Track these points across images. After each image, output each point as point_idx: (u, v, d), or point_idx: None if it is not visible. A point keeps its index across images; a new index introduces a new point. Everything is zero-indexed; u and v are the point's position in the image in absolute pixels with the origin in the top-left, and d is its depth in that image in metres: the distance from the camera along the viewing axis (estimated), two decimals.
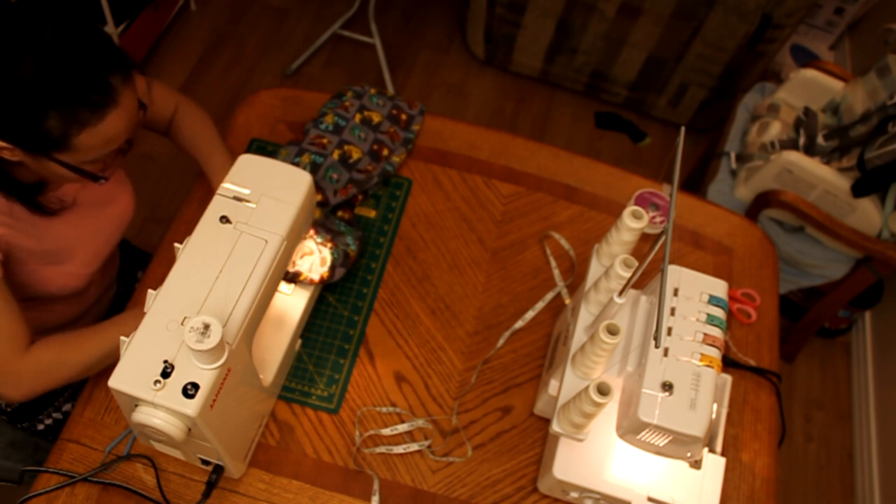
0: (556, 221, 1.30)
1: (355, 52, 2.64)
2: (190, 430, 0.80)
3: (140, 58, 2.45)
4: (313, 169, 1.20)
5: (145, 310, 0.82)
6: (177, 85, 2.49)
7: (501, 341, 1.16)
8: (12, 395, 0.94)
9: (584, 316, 0.98)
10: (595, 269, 1.03)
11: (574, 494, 0.98)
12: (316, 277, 1.10)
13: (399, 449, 1.05)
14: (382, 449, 1.05)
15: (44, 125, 0.81)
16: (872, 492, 1.91)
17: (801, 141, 1.80)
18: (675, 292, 0.90)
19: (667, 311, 0.89)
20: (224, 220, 0.88)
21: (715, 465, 0.98)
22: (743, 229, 1.33)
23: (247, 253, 0.86)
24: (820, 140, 1.77)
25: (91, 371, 0.98)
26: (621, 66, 2.43)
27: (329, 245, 1.12)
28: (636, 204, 1.23)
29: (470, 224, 1.28)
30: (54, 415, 1.23)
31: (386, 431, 1.06)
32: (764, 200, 1.78)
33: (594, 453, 0.95)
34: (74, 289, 1.05)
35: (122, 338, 0.80)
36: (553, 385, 1.00)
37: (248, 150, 1.31)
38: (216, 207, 0.89)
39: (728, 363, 1.17)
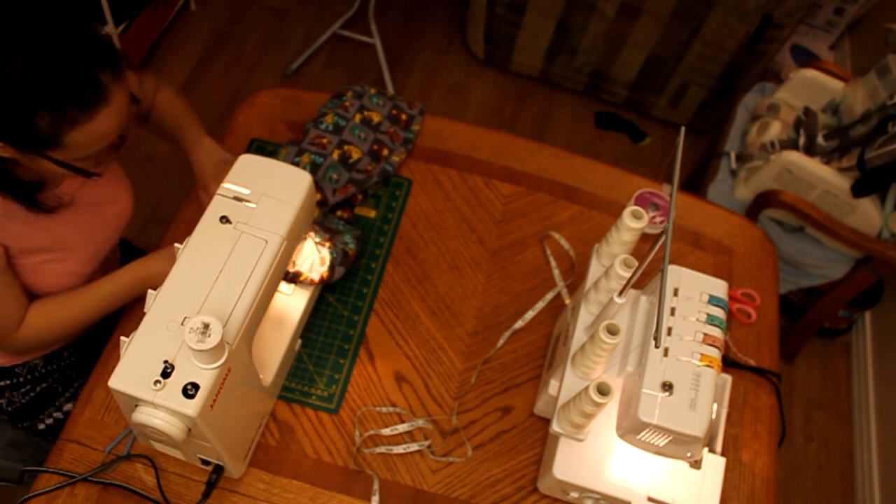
0: (556, 221, 1.30)
1: (355, 52, 2.64)
2: (190, 430, 0.80)
3: (140, 58, 2.45)
4: (313, 169, 1.20)
5: (145, 310, 0.82)
6: (177, 85, 2.49)
7: (501, 341, 1.16)
8: (8, 355, 1.05)
9: (584, 316, 0.98)
10: (595, 269, 1.03)
11: (574, 494, 0.98)
12: (316, 277, 1.10)
13: (399, 449, 1.05)
14: (382, 449, 1.05)
15: (34, 124, 0.80)
16: (872, 492, 1.91)
17: (801, 141, 1.80)
18: (675, 292, 0.90)
19: (667, 311, 0.89)
20: (224, 220, 0.88)
21: (715, 465, 0.98)
22: (743, 229, 1.33)
23: (247, 253, 0.86)
24: (820, 140, 1.77)
25: (87, 323, 1.06)
26: (621, 66, 2.43)
27: (328, 244, 1.12)
28: (636, 204, 1.23)
29: (470, 224, 1.28)
30: (55, 415, 1.23)
31: (386, 431, 1.06)
32: (764, 200, 1.78)
33: (594, 453, 0.95)
34: (73, 288, 1.06)
35: (123, 338, 0.80)
36: (553, 385, 1.00)
37: (248, 150, 1.31)
38: (216, 207, 0.89)
39: (728, 363, 1.17)
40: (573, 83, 2.58)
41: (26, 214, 0.95)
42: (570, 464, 0.94)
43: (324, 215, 1.18)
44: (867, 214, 1.72)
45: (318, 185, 1.19)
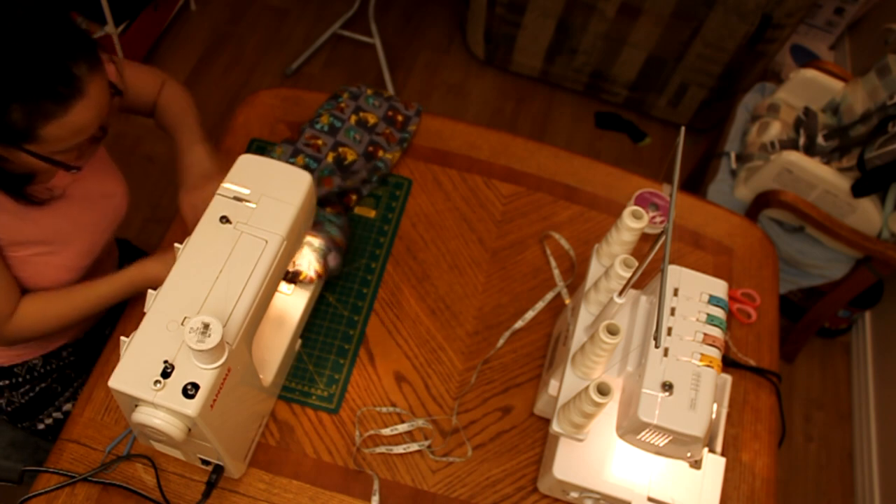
0: (556, 221, 1.30)
1: (355, 52, 2.64)
2: (190, 430, 0.80)
3: (140, 58, 2.45)
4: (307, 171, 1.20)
5: (145, 310, 0.82)
6: None
7: (501, 341, 1.16)
8: None
9: (584, 316, 0.98)
10: (595, 269, 1.03)
11: (574, 494, 0.98)
12: (313, 274, 1.10)
13: (399, 449, 1.05)
14: (382, 449, 1.05)
15: (7, 118, 0.79)
16: (872, 492, 1.91)
17: (801, 141, 1.80)
18: (675, 292, 0.90)
19: (667, 311, 0.89)
20: (224, 220, 0.88)
21: (715, 465, 0.98)
22: (743, 229, 1.33)
23: (247, 253, 0.86)
24: (820, 140, 1.77)
25: (78, 321, 1.06)
26: (621, 66, 2.43)
27: (316, 238, 1.11)
28: (636, 204, 1.23)
29: (470, 224, 1.28)
30: (55, 414, 1.23)
31: (386, 431, 1.06)
32: (764, 200, 1.78)
33: (594, 453, 0.95)
34: (67, 282, 1.05)
35: (123, 338, 0.80)
36: (553, 385, 1.00)
37: (248, 150, 1.31)
38: (216, 207, 0.89)
39: (728, 363, 1.17)
40: (573, 83, 2.58)
41: (16, 207, 0.95)
42: (570, 464, 0.94)
43: None
44: (867, 214, 1.72)
45: None
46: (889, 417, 1.95)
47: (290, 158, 1.21)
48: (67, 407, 1.24)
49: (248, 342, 0.86)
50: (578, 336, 0.96)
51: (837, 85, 1.88)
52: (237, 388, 0.86)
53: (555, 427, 0.89)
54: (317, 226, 1.14)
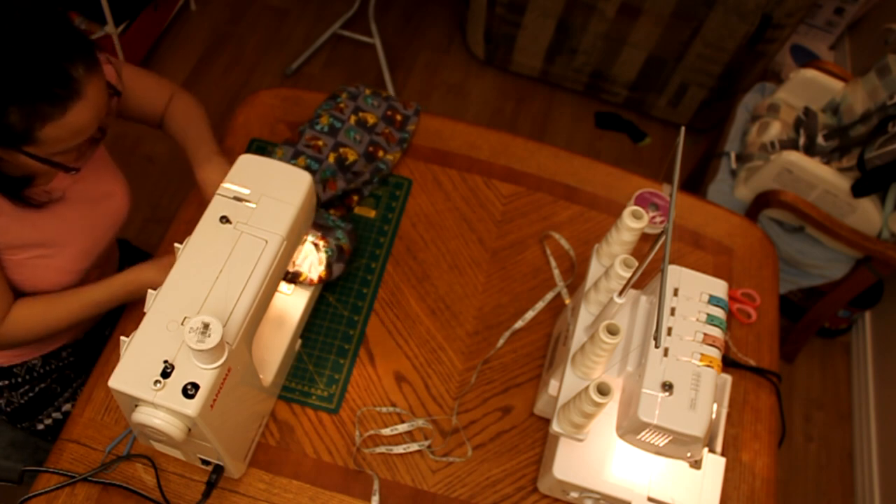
0: (556, 221, 1.30)
1: (355, 52, 2.64)
2: (190, 430, 0.80)
3: (140, 58, 2.45)
4: (309, 173, 1.20)
5: (145, 310, 0.82)
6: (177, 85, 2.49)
7: (501, 341, 1.16)
8: None
9: (584, 316, 0.98)
10: (595, 269, 1.03)
11: (574, 494, 0.98)
12: (315, 277, 1.10)
13: (399, 449, 1.05)
14: (382, 449, 1.05)
15: (5, 120, 0.79)
16: (872, 492, 1.91)
17: (801, 141, 1.80)
18: (675, 292, 0.90)
19: (667, 311, 0.89)
20: (224, 220, 0.88)
21: (715, 465, 0.98)
22: (743, 229, 1.33)
23: (247, 253, 0.86)
24: (820, 140, 1.77)
25: (71, 326, 1.05)
26: (621, 66, 2.43)
27: (323, 242, 1.11)
28: (636, 204, 1.23)
29: (470, 224, 1.28)
30: (54, 415, 1.23)
31: (386, 431, 1.06)
32: (764, 200, 1.78)
33: (594, 453, 0.95)
34: (67, 284, 1.05)
35: (123, 338, 0.80)
36: (553, 385, 1.00)
37: (248, 150, 1.31)
38: (216, 207, 0.89)
39: (728, 363, 1.17)
40: (573, 83, 2.58)
41: (14, 210, 0.94)
42: (570, 464, 0.94)
43: (316, 212, 1.18)
44: (867, 214, 1.72)
45: None
46: (889, 417, 1.95)
47: (291, 160, 1.21)
48: (67, 407, 1.24)
49: (248, 342, 0.86)
50: (578, 336, 0.96)
51: (837, 85, 1.88)
52: (237, 388, 0.86)
53: (555, 427, 0.89)
54: (326, 231, 1.14)
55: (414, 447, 1.05)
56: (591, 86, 2.56)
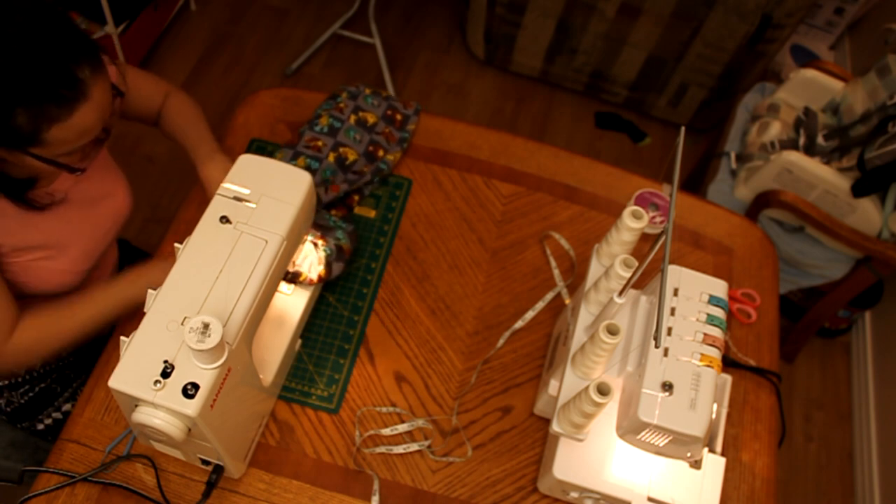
0: (556, 221, 1.30)
1: (355, 52, 2.64)
2: (190, 430, 0.80)
3: (140, 58, 2.45)
4: (309, 172, 1.20)
5: (145, 310, 0.82)
6: (177, 85, 2.49)
7: (501, 341, 1.16)
8: None
9: (584, 316, 0.98)
10: (595, 269, 1.03)
11: (574, 494, 0.98)
12: (314, 276, 1.10)
13: (399, 449, 1.05)
14: (382, 449, 1.05)
15: (12, 122, 0.79)
16: (872, 492, 1.91)
17: (801, 141, 1.80)
18: (675, 292, 0.90)
19: (667, 311, 0.89)
20: (224, 220, 0.88)
21: (715, 465, 0.98)
22: (743, 229, 1.33)
23: (247, 253, 0.86)
24: (820, 140, 1.77)
25: (80, 337, 1.01)
26: (621, 66, 2.43)
27: (321, 242, 1.11)
28: (636, 204, 1.23)
29: (470, 224, 1.28)
30: (54, 415, 1.23)
31: (386, 431, 1.06)
32: (764, 200, 1.78)
33: (594, 453, 0.95)
34: (69, 286, 1.05)
35: (123, 338, 0.80)
36: (553, 385, 1.00)
37: (248, 150, 1.31)
38: (216, 207, 0.89)
39: (728, 363, 1.17)
40: (573, 83, 2.58)
41: (18, 212, 0.95)
42: (570, 464, 0.94)
43: (316, 213, 1.18)
44: (867, 214, 1.72)
45: None
46: (889, 417, 1.95)
47: (290, 161, 1.21)
48: (67, 407, 1.24)
49: (248, 342, 0.86)
50: (578, 336, 0.96)
51: (837, 85, 1.88)
52: (237, 388, 0.86)
53: (555, 427, 0.89)
54: (326, 231, 1.14)
55: (414, 447, 1.05)
56: (591, 86, 2.56)
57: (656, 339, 0.75)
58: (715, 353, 0.86)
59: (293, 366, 1.11)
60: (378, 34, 2.55)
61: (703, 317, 0.88)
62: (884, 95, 1.68)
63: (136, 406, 0.78)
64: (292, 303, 1.10)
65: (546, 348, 1.16)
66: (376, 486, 1.02)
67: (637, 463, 0.96)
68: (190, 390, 0.76)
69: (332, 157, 1.23)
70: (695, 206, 1.35)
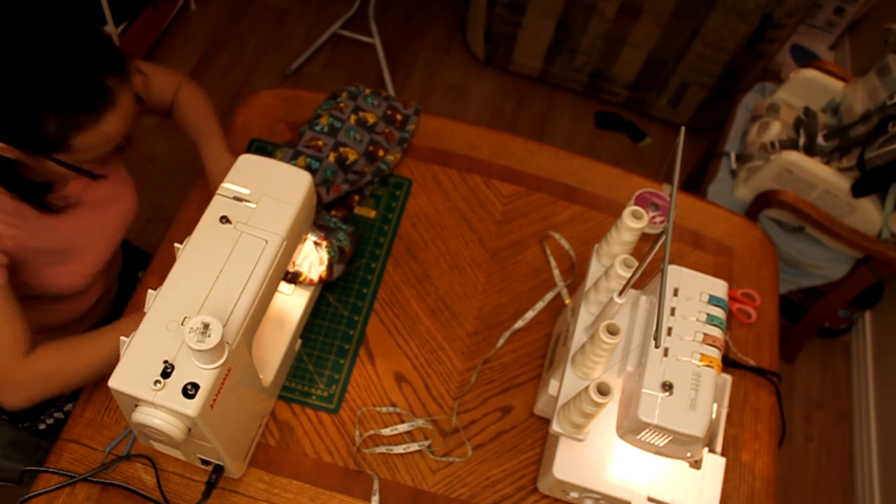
0: (556, 221, 1.30)
1: (355, 52, 2.64)
2: (190, 430, 0.80)
3: (140, 58, 2.45)
4: (309, 172, 1.20)
5: (145, 310, 0.82)
6: None
7: (501, 341, 1.16)
8: (10, 401, 0.92)
9: (584, 316, 0.98)
10: (595, 269, 1.03)
11: (574, 494, 0.98)
12: (315, 277, 1.10)
13: (399, 449, 1.05)
14: (382, 449, 1.05)
15: (41, 128, 0.80)
16: (872, 492, 1.91)
17: (801, 141, 1.80)
18: (675, 292, 0.90)
19: (667, 311, 0.89)
20: (224, 220, 0.88)
21: (715, 465, 0.98)
22: (743, 229, 1.33)
23: (247, 253, 0.86)
24: (820, 140, 1.77)
25: (93, 377, 0.96)
26: (621, 66, 2.43)
27: (325, 243, 1.12)
28: (636, 204, 1.23)
29: (470, 224, 1.28)
30: (56, 415, 1.23)
31: (386, 431, 1.06)
32: (764, 200, 1.78)
33: (594, 453, 0.95)
34: (80, 288, 1.06)
35: (123, 338, 0.80)
36: (553, 385, 1.00)
37: (248, 150, 1.31)
38: (216, 207, 0.89)
39: (728, 363, 1.17)
40: (573, 83, 2.58)
41: (37, 215, 0.95)
42: (570, 464, 0.94)
43: (317, 214, 1.18)
44: (867, 214, 1.72)
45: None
46: (889, 417, 1.95)
47: (291, 161, 1.21)
48: (69, 407, 1.24)
49: (248, 342, 0.86)
50: (578, 336, 0.96)
51: (837, 85, 1.88)
52: (237, 388, 0.86)
53: (555, 427, 0.89)
54: (328, 232, 1.14)
55: (414, 447, 1.05)
56: (591, 86, 2.56)
57: (656, 339, 0.75)
58: (715, 353, 0.86)
59: (293, 366, 1.11)
60: (378, 34, 2.55)
61: (703, 317, 0.88)
62: (884, 95, 1.68)
63: (136, 406, 0.78)
64: (292, 303, 1.10)
65: (546, 348, 1.16)
66: (376, 486, 1.02)
67: (637, 463, 0.96)
68: (190, 390, 0.76)
69: (332, 157, 1.23)
70: (695, 206, 1.35)
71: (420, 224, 1.27)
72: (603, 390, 0.81)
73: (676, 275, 0.92)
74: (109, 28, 2.20)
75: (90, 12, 0.84)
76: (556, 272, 1.23)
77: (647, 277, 1.07)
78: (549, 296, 1.21)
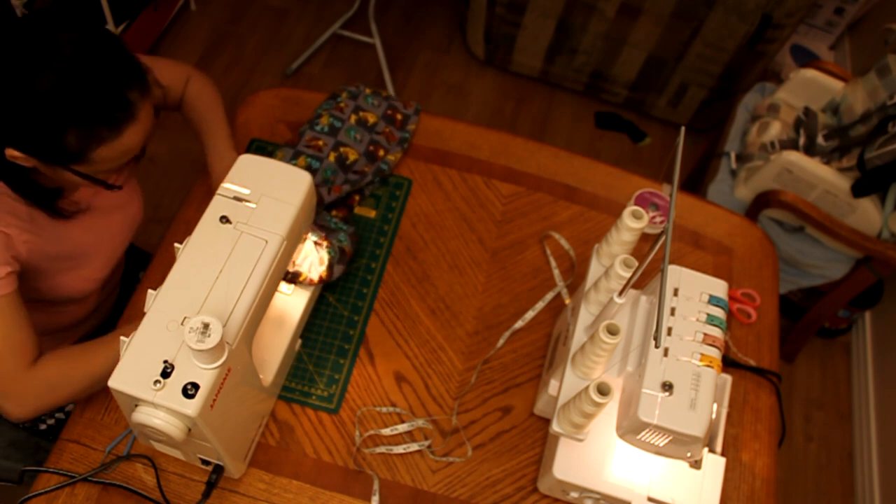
0: (556, 221, 1.30)
1: (355, 52, 2.64)
2: (190, 430, 0.80)
3: None
4: (310, 172, 1.20)
5: (145, 309, 0.82)
6: None
7: (501, 341, 1.16)
8: (16, 412, 0.90)
9: (584, 316, 0.98)
10: (595, 269, 1.03)
11: (574, 494, 0.98)
12: (315, 277, 1.10)
13: (399, 449, 1.05)
14: (382, 449, 1.05)
15: (63, 141, 0.81)
16: (872, 492, 1.91)
17: (801, 141, 1.80)
18: (675, 292, 0.90)
19: (667, 311, 0.89)
20: (224, 220, 0.88)
21: (715, 465, 0.98)
22: (743, 229, 1.33)
23: (247, 253, 0.86)
24: (820, 140, 1.77)
25: (100, 385, 0.94)
26: (621, 66, 2.43)
27: (325, 243, 1.12)
28: (636, 204, 1.23)
29: (470, 224, 1.28)
30: (57, 415, 1.23)
31: (386, 431, 1.06)
32: (764, 200, 1.78)
33: (594, 453, 0.95)
34: (89, 292, 1.07)
35: (123, 338, 0.80)
36: (553, 385, 1.00)
37: (248, 150, 1.31)
38: (216, 207, 0.89)
39: (728, 363, 1.17)
40: (573, 83, 2.58)
41: (49, 221, 0.96)
42: (570, 464, 0.94)
43: (318, 214, 1.18)
44: (867, 214, 1.72)
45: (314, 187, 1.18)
46: (889, 417, 1.95)
47: (291, 160, 1.21)
48: (70, 407, 1.24)
49: (248, 342, 0.86)
50: (578, 336, 0.96)
51: (837, 85, 1.88)
52: (237, 388, 0.86)
53: (555, 427, 0.89)
54: (329, 233, 1.14)
55: (414, 447, 1.05)
56: (591, 86, 2.56)
57: (656, 339, 0.75)
58: (715, 353, 0.86)
59: (293, 366, 1.11)
60: (378, 34, 2.55)
61: (703, 317, 0.88)
62: (884, 95, 1.68)
63: (136, 406, 0.78)
64: (292, 303, 1.10)
65: (546, 348, 1.16)
66: (376, 486, 1.02)
67: (637, 463, 0.96)
68: (190, 390, 0.76)
69: (332, 157, 1.23)
70: (695, 206, 1.35)
71: (420, 224, 1.27)
72: (603, 390, 0.81)
73: (676, 275, 0.92)
74: (109, 28, 2.20)
75: (97, 17, 0.84)
76: (556, 272, 1.23)
77: (647, 277, 1.07)
78: (549, 296, 1.21)
